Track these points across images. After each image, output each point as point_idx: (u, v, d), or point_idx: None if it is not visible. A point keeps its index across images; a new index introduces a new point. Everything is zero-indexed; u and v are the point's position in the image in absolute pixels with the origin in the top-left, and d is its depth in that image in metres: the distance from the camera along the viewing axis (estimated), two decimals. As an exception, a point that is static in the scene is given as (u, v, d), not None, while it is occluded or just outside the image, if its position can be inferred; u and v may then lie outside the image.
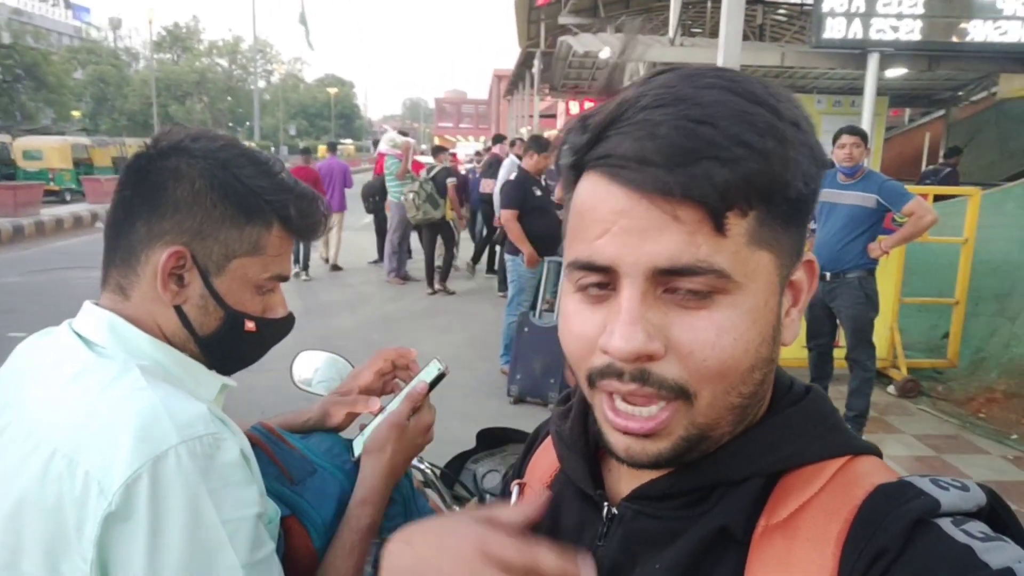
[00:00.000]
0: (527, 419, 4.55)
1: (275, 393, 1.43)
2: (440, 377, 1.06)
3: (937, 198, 5.54)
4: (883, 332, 5.02)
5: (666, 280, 0.49)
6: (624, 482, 0.61)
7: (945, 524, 0.46)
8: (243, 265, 0.91)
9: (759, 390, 0.54)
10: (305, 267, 9.53)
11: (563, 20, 14.27)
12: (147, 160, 0.89)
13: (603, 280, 0.51)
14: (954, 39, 8.03)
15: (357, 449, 1.05)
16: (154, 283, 0.87)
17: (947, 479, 0.49)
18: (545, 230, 5.45)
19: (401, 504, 1.04)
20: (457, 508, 1.76)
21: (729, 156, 0.47)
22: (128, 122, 45.64)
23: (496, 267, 9.26)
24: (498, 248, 8.63)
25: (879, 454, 0.56)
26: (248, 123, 48.74)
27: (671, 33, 8.97)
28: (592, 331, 0.52)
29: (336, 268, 10.34)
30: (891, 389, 5.18)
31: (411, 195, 8.36)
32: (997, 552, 0.44)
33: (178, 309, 0.89)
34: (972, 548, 0.44)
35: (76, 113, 45.58)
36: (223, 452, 0.79)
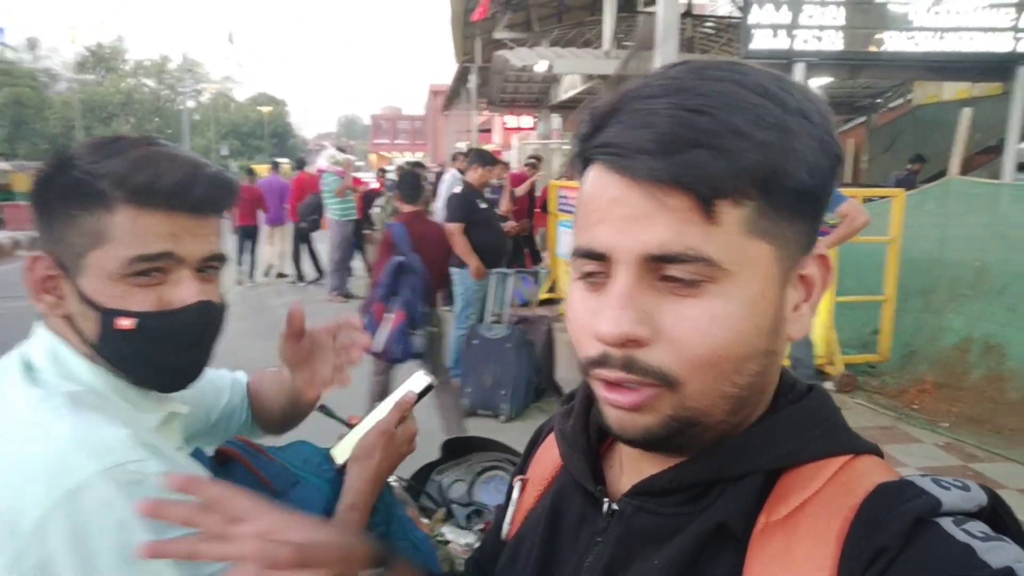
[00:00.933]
0: (479, 432, 4.53)
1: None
2: (428, 389, 1.06)
3: (865, 200, 5.79)
4: (820, 331, 5.20)
5: (658, 267, 0.50)
6: (625, 479, 0.62)
7: (946, 523, 0.46)
8: (97, 259, 0.81)
9: (757, 382, 0.54)
10: (250, 274, 10.12)
11: (498, 35, 14.42)
12: (35, 183, 0.86)
13: (600, 268, 0.53)
14: (872, 49, 8.42)
15: (339, 457, 1.04)
16: (34, 299, 0.84)
17: (949, 479, 0.50)
18: (490, 243, 5.47)
19: (384, 512, 1.04)
20: (426, 520, 1.76)
21: (722, 145, 0.47)
22: (49, 145, 43.75)
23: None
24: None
25: (880, 454, 0.56)
26: (177, 143, 47.44)
27: (605, 46, 9.16)
28: (587, 318, 0.54)
29: (280, 275, 10.89)
30: (829, 385, 5.35)
31: (377, 209, 8.35)
32: (997, 552, 0.44)
33: (70, 323, 0.84)
34: (972, 547, 0.44)
35: (-8, 137, 43.63)
36: (149, 477, 0.73)
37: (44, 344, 0.85)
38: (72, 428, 0.74)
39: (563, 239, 7.92)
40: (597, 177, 0.52)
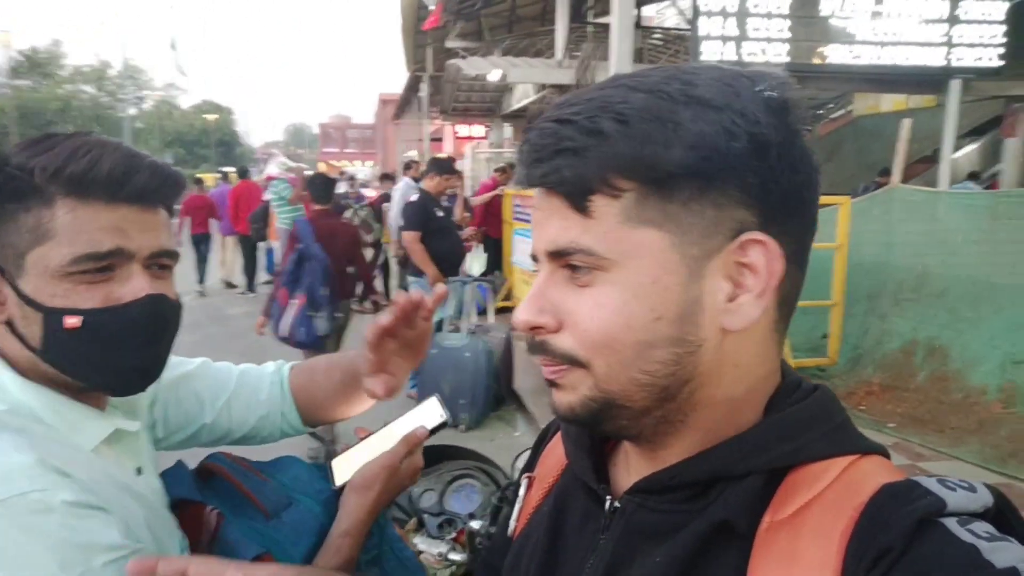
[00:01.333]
0: (440, 442, 4.47)
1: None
2: (442, 425, 1.03)
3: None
4: (772, 335, 5.32)
5: (561, 261, 0.55)
6: (629, 477, 0.63)
7: (950, 524, 0.46)
8: (40, 257, 0.77)
9: (678, 371, 0.54)
10: (200, 280, 10.42)
11: (450, 44, 14.43)
12: None
13: (537, 266, 0.59)
14: (816, 61, 8.69)
15: (338, 476, 1.01)
16: None
17: (954, 480, 0.50)
18: (448, 251, 5.45)
19: (378, 535, 1.01)
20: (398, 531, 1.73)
21: (579, 148, 0.52)
22: (-18, 153, 42.07)
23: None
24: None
25: (887, 454, 0.56)
26: (119, 152, 45.98)
27: (558, 55, 9.24)
28: None
29: (230, 286, 11.05)
30: (782, 388, 5.46)
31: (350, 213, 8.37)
32: (1002, 552, 0.44)
33: (11, 328, 0.80)
34: (977, 548, 0.44)
35: (-81, 144, 41.61)
36: (56, 506, 0.69)
37: None
38: None
39: (518, 247, 7.94)
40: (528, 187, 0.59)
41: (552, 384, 0.59)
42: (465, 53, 13.46)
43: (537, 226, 0.57)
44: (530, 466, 0.80)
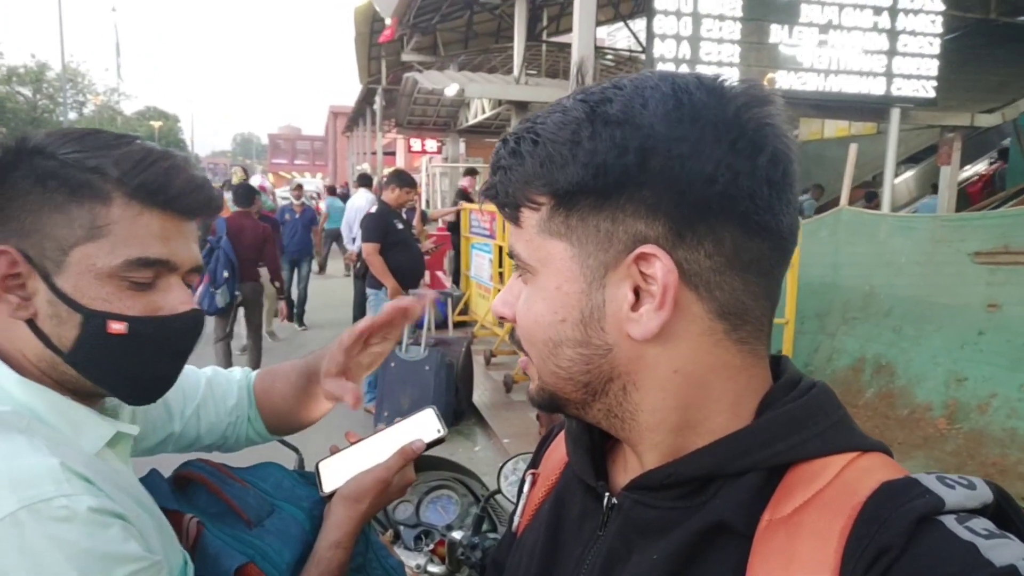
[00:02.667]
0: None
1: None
2: (440, 440, 1.01)
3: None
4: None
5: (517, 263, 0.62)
6: (627, 474, 0.63)
7: (949, 521, 0.46)
8: (86, 254, 0.74)
9: (594, 370, 0.57)
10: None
11: (406, 57, 14.40)
12: None
13: None
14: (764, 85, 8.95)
15: (325, 477, 0.98)
16: None
17: (954, 477, 0.50)
18: (407, 263, 5.41)
19: (363, 543, 0.99)
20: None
21: (504, 165, 0.58)
22: (-93, 154, 40.12)
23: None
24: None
25: (888, 452, 0.56)
26: (56, 157, 44.42)
27: (516, 72, 9.32)
28: None
29: None
30: (735, 404, 5.57)
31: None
32: (1001, 549, 0.44)
33: (32, 325, 0.75)
34: (976, 545, 0.44)
35: None
36: (81, 513, 0.66)
37: None
38: None
39: (475, 261, 7.93)
40: None
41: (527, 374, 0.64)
42: (420, 67, 13.45)
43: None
44: (534, 463, 0.82)
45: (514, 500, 0.86)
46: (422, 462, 2.00)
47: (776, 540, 0.51)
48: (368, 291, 5.62)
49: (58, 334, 0.76)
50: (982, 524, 0.46)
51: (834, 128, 12.71)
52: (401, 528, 1.82)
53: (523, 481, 0.80)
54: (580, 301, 0.56)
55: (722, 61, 8.59)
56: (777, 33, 8.81)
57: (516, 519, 0.77)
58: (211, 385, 1.09)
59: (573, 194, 0.54)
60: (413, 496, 1.88)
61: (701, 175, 0.51)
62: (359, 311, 8.33)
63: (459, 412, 5.25)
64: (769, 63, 8.92)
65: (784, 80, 8.92)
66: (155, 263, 0.77)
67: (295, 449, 1.62)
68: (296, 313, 7.83)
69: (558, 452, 0.76)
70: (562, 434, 0.76)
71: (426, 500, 1.89)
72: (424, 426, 1.01)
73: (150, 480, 0.93)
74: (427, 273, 8.17)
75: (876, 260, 5.80)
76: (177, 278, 0.81)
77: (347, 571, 0.94)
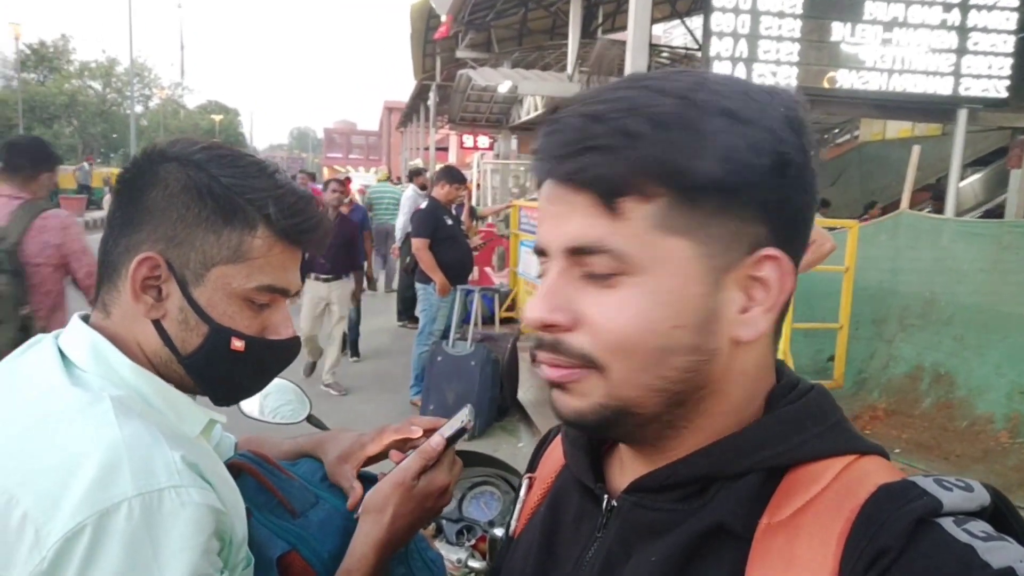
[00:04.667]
0: (459, 448, 4.44)
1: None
2: (461, 432, 0.93)
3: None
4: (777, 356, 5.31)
5: (579, 260, 0.54)
6: (626, 477, 0.63)
7: (947, 524, 0.46)
8: (224, 274, 0.81)
9: (693, 378, 0.54)
10: None
11: (460, 54, 14.48)
12: (128, 173, 0.84)
13: (544, 262, 0.58)
14: (824, 85, 8.74)
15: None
16: (132, 298, 0.80)
17: (951, 479, 0.50)
18: (456, 259, 5.45)
19: (403, 560, 0.97)
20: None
21: (612, 146, 0.51)
22: (-14, 145, 42.07)
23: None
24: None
25: (885, 455, 0.56)
26: (123, 149, 46.19)
27: (569, 69, 9.28)
28: None
29: None
30: (785, 409, 5.45)
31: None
32: (999, 551, 0.44)
33: (157, 325, 0.81)
34: (973, 547, 0.44)
35: (-76, 134, 41.72)
36: (185, 508, 0.69)
37: (85, 341, 0.80)
38: (121, 439, 0.70)
39: (524, 258, 7.93)
40: (543, 181, 0.57)
41: (558, 387, 0.57)
42: (474, 64, 13.50)
43: (552, 220, 0.56)
44: (531, 467, 0.81)
45: None
46: (467, 458, 2.01)
47: (775, 543, 0.51)
48: (417, 285, 5.68)
49: (182, 338, 0.82)
50: (980, 527, 0.46)
51: (896, 129, 12.32)
52: (444, 522, 1.84)
53: (520, 485, 0.80)
54: (701, 304, 0.53)
55: (780, 59, 8.40)
56: (839, 31, 8.55)
57: (513, 522, 0.76)
58: (221, 430, 1.13)
59: (703, 189, 0.51)
60: (456, 491, 1.90)
61: (804, 187, 0.55)
62: (405, 304, 8.44)
63: (503, 408, 5.27)
64: (829, 62, 8.68)
65: (845, 79, 8.66)
66: (277, 290, 0.85)
67: (322, 425, 1.63)
68: (349, 340, 6.88)
69: (555, 455, 0.76)
70: (559, 437, 0.76)
71: (469, 495, 1.90)
72: (448, 425, 0.96)
73: None
74: (475, 269, 8.24)
75: (937, 266, 5.61)
76: (285, 302, 0.88)
77: None
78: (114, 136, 48.62)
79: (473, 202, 11.51)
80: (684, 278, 0.52)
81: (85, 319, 0.85)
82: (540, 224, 0.58)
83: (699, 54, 8.98)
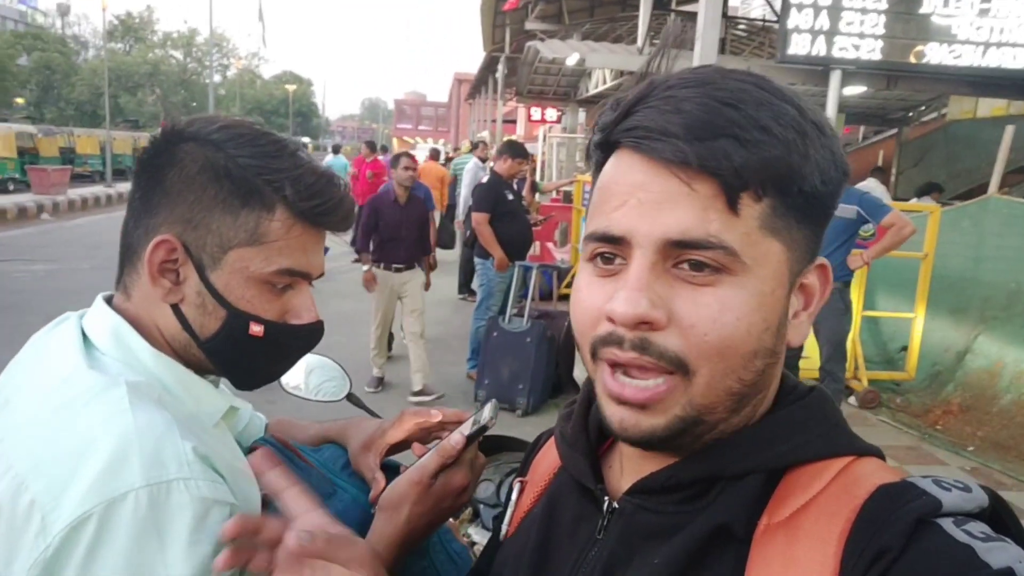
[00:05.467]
0: (497, 426, 4.47)
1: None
2: (482, 430, 0.84)
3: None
4: (848, 345, 5.11)
5: (676, 253, 0.51)
6: (625, 478, 0.62)
7: (946, 524, 0.46)
8: (242, 257, 0.79)
9: (760, 380, 0.54)
10: None
11: (529, 26, 14.31)
12: (148, 152, 0.82)
13: (614, 251, 0.53)
14: (911, 60, 8.27)
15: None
16: (150, 282, 0.79)
17: (949, 480, 0.50)
18: (516, 234, 5.42)
19: (425, 553, 0.93)
20: (451, 520, 1.70)
21: (748, 138, 0.49)
22: (76, 112, 44.18)
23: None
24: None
25: (882, 456, 0.56)
26: (202, 117, 47.59)
27: (639, 42, 9.05)
28: (599, 301, 0.53)
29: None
30: (852, 400, 5.27)
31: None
32: (998, 552, 0.44)
33: (175, 309, 0.80)
34: (973, 548, 0.44)
35: (20, 100, 43.96)
36: (193, 501, 0.67)
37: (107, 323, 0.79)
38: (133, 427, 0.68)
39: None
40: (619, 163, 0.54)
41: (630, 406, 0.53)
42: (544, 35, 13.32)
43: (645, 207, 0.51)
44: (522, 471, 0.79)
45: None
46: (506, 443, 1.99)
47: (775, 544, 0.50)
48: (476, 260, 5.68)
49: (200, 322, 0.80)
50: (979, 527, 0.46)
51: (989, 107, 11.60)
52: (481, 507, 1.83)
53: (510, 489, 0.77)
54: (782, 308, 0.54)
55: (864, 32, 7.98)
56: (930, 2, 8.06)
57: (504, 526, 0.74)
58: (252, 412, 1.12)
59: (802, 195, 0.52)
60: (495, 476, 1.88)
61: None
62: (465, 276, 8.47)
63: (558, 386, 5.24)
64: (918, 35, 8.19)
65: (934, 54, 8.17)
66: (298, 273, 0.82)
67: (369, 410, 1.61)
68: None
69: (547, 459, 0.74)
70: (551, 442, 0.75)
71: (507, 480, 1.88)
72: (468, 423, 0.88)
73: None
74: (536, 244, 8.19)
75: (1027, 255, 5.27)
76: (307, 286, 0.85)
77: None
78: (193, 104, 50.22)
79: (538, 176, 11.42)
80: (776, 281, 0.53)
81: (109, 300, 0.84)
82: (618, 209, 0.53)
83: (777, 26, 8.60)
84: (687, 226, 0.50)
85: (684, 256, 0.51)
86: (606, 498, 0.61)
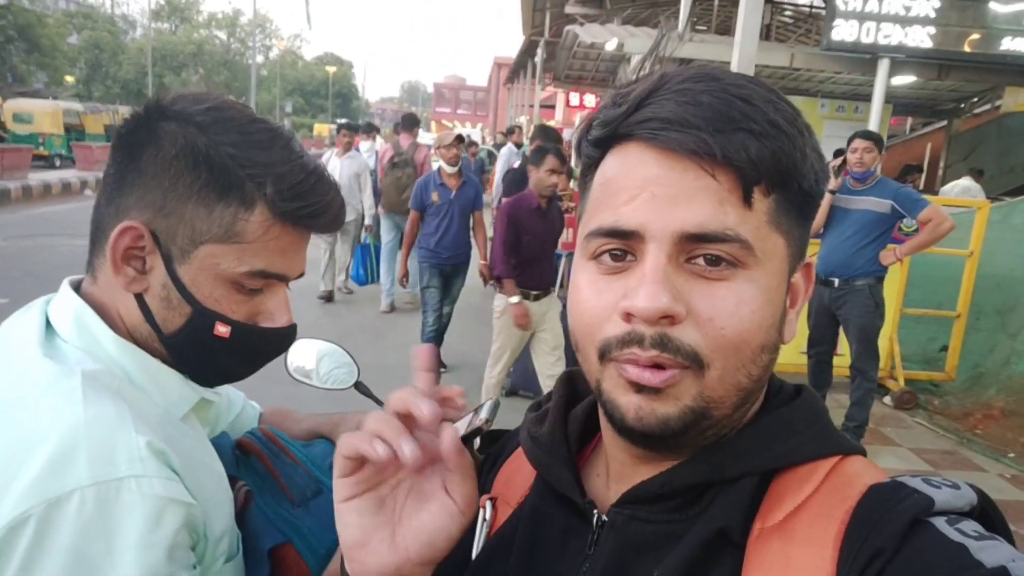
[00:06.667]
0: (521, 413, 4.43)
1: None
2: (477, 431, 0.82)
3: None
4: (882, 342, 4.93)
5: (691, 247, 0.50)
6: (613, 487, 0.59)
7: (940, 523, 0.46)
8: (213, 253, 0.74)
9: (764, 376, 0.54)
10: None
11: (569, 10, 14.13)
12: (127, 127, 0.76)
13: (623, 247, 0.52)
14: (965, 48, 7.95)
15: None
16: (112, 268, 0.74)
17: (938, 478, 0.50)
18: (547, 222, 5.33)
19: None
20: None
21: (761, 131, 0.49)
22: (122, 90, 45.08)
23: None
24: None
25: (865, 454, 0.57)
26: (244, 98, 48.31)
27: (680, 28, 8.85)
28: (608, 301, 0.52)
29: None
30: (887, 400, 5.11)
31: None
32: (991, 551, 0.44)
33: (139, 299, 0.75)
34: (966, 547, 0.44)
35: (69, 78, 44.96)
36: (145, 500, 0.63)
37: (70, 309, 0.75)
38: (83, 421, 0.64)
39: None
40: (627, 157, 0.53)
41: (645, 391, 0.51)
42: (584, 20, 13.14)
43: (658, 201, 0.50)
44: (485, 487, 0.70)
45: None
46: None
47: (770, 548, 0.50)
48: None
49: (164, 316, 0.76)
50: (971, 526, 0.46)
51: (1047, 100, 11.13)
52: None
53: (480, 508, 0.68)
54: (783, 303, 0.55)
55: (912, 19, 7.69)
56: (986, -12, 7.73)
57: (476, 548, 0.67)
58: (246, 401, 1.09)
59: (801, 192, 0.53)
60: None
61: None
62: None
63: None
64: (972, 22, 7.87)
65: (987, 43, 7.85)
66: (273, 276, 0.78)
67: (378, 400, 1.56)
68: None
69: (519, 472, 0.68)
70: (517, 453, 0.69)
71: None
72: (463, 421, 0.87)
73: (219, 442, 0.92)
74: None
75: (1080, 255, 5.04)
76: (282, 288, 0.81)
77: None
78: (236, 84, 50.88)
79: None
80: (780, 276, 0.53)
81: (78, 285, 0.80)
82: (628, 203, 0.51)
83: (824, 12, 8.33)
84: (703, 219, 0.49)
85: (699, 250, 0.50)
86: (595, 511, 0.58)
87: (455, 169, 4.98)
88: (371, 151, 8.25)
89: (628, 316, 0.50)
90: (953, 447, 4.45)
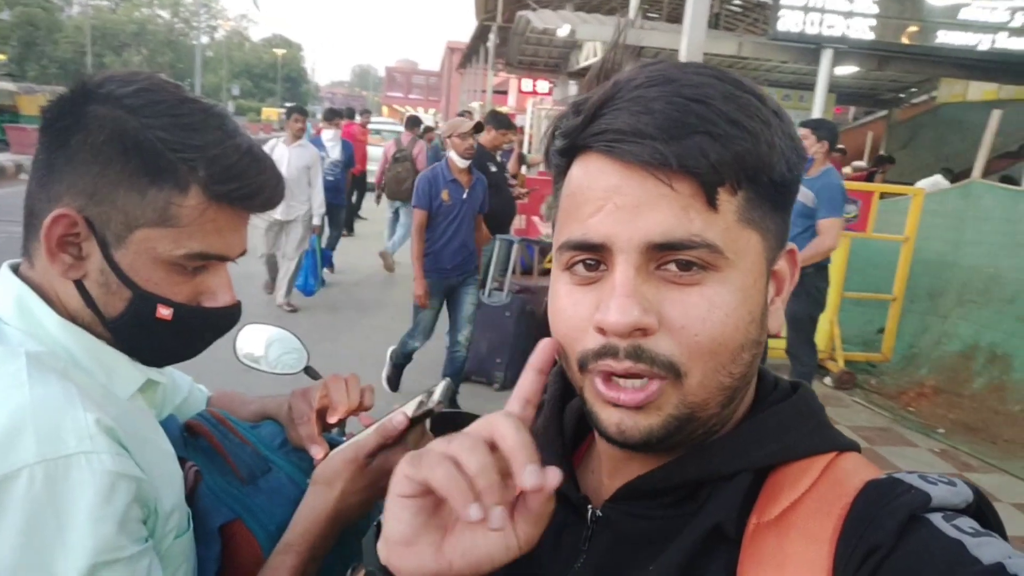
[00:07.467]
0: (473, 398, 4.50)
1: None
2: (428, 412, 0.81)
3: (883, 195, 5.68)
4: (823, 325, 5.12)
5: (659, 256, 0.50)
6: (605, 483, 0.60)
7: (936, 519, 0.46)
8: (148, 237, 0.73)
9: (748, 372, 0.54)
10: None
11: (522, -6, 14.09)
12: (53, 111, 0.74)
13: (594, 258, 0.52)
14: (903, 40, 8.21)
15: None
16: (47, 256, 0.73)
17: (935, 475, 0.50)
18: (498, 207, 5.34)
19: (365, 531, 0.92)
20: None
21: (720, 132, 0.48)
22: (59, 70, 43.33)
23: None
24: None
25: (859, 450, 0.57)
26: (189, 80, 46.95)
27: (631, 14, 8.93)
28: (584, 312, 0.52)
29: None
30: (828, 380, 5.31)
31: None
32: (988, 547, 0.44)
33: (79, 285, 0.75)
34: (963, 543, 0.44)
35: (1, 56, 43.08)
36: (95, 476, 0.64)
37: (10, 291, 0.75)
38: (28, 400, 0.64)
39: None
40: (589, 168, 0.52)
41: (625, 408, 0.51)
42: (536, 5, 13.13)
43: (623, 212, 0.50)
44: None
45: None
46: (465, 419, 1.97)
47: (766, 544, 0.50)
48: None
49: (104, 301, 0.75)
50: (968, 523, 0.46)
51: (980, 91, 11.57)
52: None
53: None
54: (762, 298, 0.54)
55: (854, 11, 7.92)
56: (924, -20, 7.99)
57: None
58: (193, 384, 1.09)
59: (773, 184, 0.52)
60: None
61: None
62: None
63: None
64: (912, 14, 8.14)
65: (923, 35, 8.13)
66: (212, 257, 0.78)
67: (317, 375, 1.57)
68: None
69: None
70: None
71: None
72: (410, 403, 0.86)
73: (167, 424, 0.92)
74: (522, 217, 8.11)
75: (1006, 240, 5.29)
76: (224, 267, 0.81)
77: None
78: (180, 66, 49.37)
79: (526, 148, 11.32)
80: (757, 272, 0.53)
81: (16, 268, 0.79)
82: (594, 215, 0.51)
83: (771, 1, 8.50)
84: (667, 228, 0.49)
85: (668, 257, 0.50)
86: (589, 506, 0.59)
87: (467, 164, 4.25)
88: (335, 140, 7.78)
89: (601, 330, 0.50)
90: (888, 424, 4.66)
